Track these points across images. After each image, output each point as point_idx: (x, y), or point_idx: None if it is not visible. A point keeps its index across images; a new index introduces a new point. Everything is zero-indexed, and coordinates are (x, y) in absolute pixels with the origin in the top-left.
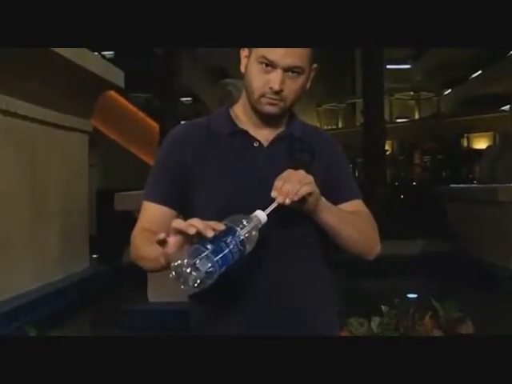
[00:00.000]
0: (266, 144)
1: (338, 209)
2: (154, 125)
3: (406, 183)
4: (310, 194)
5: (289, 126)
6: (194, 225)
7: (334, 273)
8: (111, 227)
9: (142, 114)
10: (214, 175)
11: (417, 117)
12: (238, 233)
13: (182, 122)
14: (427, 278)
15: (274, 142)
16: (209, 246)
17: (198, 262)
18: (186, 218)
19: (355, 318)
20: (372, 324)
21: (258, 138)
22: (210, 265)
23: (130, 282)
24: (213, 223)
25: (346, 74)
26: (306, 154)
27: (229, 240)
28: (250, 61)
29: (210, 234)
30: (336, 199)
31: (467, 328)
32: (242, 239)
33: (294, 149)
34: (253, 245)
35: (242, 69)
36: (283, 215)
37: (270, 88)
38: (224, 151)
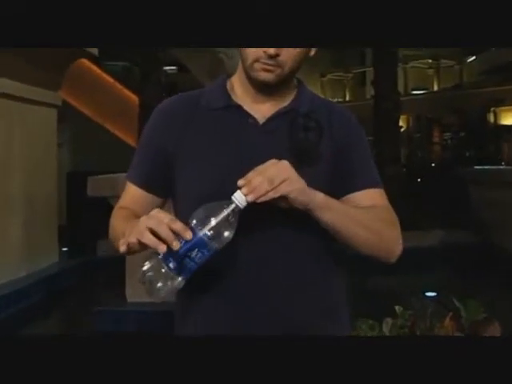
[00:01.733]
0: (262, 121)
1: (341, 205)
2: (133, 97)
3: (423, 164)
4: (286, 196)
5: (295, 99)
6: (161, 236)
7: (337, 267)
8: (83, 216)
9: (119, 86)
10: (198, 157)
11: (436, 88)
12: (205, 241)
13: (173, 97)
14: (447, 273)
15: (272, 119)
16: (171, 265)
17: (159, 285)
18: (174, 203)
19: (364, 321)
20: (384, 327)
21: (254, 113)
22: (172, 283)
23: (106, 278)
24: (180, 229)
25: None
26: (312, 133)
27: (193, 254)
28: None
29: (177, 246)
30: (348, 188)
31: (494, 330)
32: (212, 246)
33: (296, 126)
34: (232, 231)
35: None
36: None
37: (265, 52)
38: (213, 129)
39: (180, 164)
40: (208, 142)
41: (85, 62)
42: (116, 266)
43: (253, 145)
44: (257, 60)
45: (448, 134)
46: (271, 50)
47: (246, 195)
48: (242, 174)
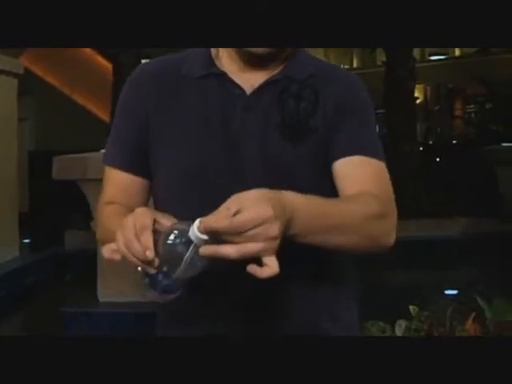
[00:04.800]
0: (250, 91)
1: (313, 218)
2: (106, 64)
3: (443, 141)
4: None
5: (289, 65)
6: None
7: (343, 263)
8: (49, 202)
9: (89, 51)
10: (179, 134)
11: (457, 53)
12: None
13: (145, 61)
14: (470, 268)
15: (261, 88)
16: (146, 281)
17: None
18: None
19: (374, 323)
20: (397, 330)
21: (241, 83)
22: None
23: (74, 275)
24: (147, 253)
25: None
26: (306, 102)
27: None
28: None
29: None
30: (330, 158)
31: None
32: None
33: (288, 95)
34: (202, 264)
35: None
36: None
37: None
38: (195, 101)
39: (158, 141)
40: (189, 117)
41: None
42: (86, 260)
43: (239, 120)
44: None
45: (472, 106)
46: None
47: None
48: (227, 157)
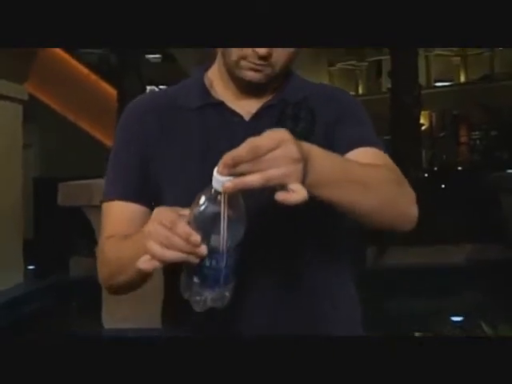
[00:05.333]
0: (249, 117)
1: (333, 169)
2: (111, 90)
3: (447, 168)
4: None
5: (283, 89)
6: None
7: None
8: (54, 228)
9: (94, 77)
10: (178, 162)
11: (463, 79)
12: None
13: (148, 89)
14: (476, 294)
15: (259, 114)
16: (196, 280)
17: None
18: None
19: None
20: None
21: (238, 110)
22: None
23: (79, 301)
24: (192, 238)
25: None
26: (303, 123)
27: (213, 263)
28: None
29: (196, 260)
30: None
31: None
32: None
33: (286, 117)
34: (242, 215)
35: None
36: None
37: (254, 51)
38: (195, 131)
39: (160, 172)
40: (190, 146)
41: (56, 49)
42: (91, 287)
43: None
44: (244, 58)
45: (477, 132)
46: (262, 51)
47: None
48: None
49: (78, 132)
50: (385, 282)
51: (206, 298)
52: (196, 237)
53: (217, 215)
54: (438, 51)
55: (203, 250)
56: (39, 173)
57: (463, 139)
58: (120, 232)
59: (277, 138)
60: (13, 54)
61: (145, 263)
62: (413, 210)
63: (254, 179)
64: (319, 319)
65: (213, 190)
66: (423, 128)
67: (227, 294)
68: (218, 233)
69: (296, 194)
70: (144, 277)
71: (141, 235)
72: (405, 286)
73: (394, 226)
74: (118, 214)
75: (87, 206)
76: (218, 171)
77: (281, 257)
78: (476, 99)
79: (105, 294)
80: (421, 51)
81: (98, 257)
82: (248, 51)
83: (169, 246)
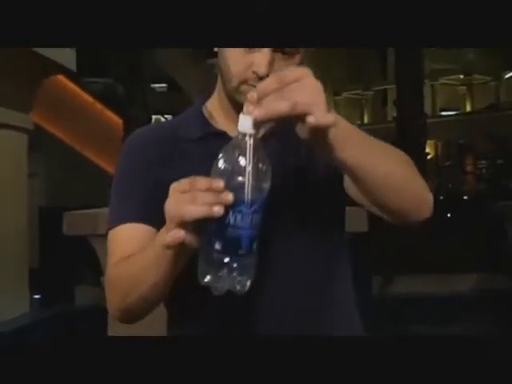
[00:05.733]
0: None
1: (358, 138)
2: (116, 120)
3: (453, 197)
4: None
5: None
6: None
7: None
8: (59, 258)
9: (99, 106)
10: None
11: (469, 108)
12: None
13: (154, 119)
14: (482, 324)
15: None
16: (217, 246)
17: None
18: None
19: None
20: None
21: None
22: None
23: (85, 331)
24: (214, 184)
25: (373, 51)
26: (306, 150)
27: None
28: None
29: (222, 211)
30: None
31: None
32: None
33: (288, 143)
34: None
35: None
36: (285, 203)
37: (254, 73)
38: (196, 161)
39: (165, 197)
40: (192, 173)
41: (60, 78)
42: (97, 317)
43: None
44: (244, 82)
45: (483, 162)
46: (262, 70)
47: (259, 118)
48: None
49: (83, 161)
50: (383, 308)
51: (225, 274)
52: (218, 182)
53: (240, 165)
54: (443, 80)
55: (229, 195)
56: (45, 202)
57: (469, 168)
58: (130, 253)
59: (299, 72)
60: (17, 83)
61: (170, 236)
62: (429, 196)
63: (281, 105)
64: (319, 319)
65: (239, 136)
66: (429, 157)
67: (250, 273)
68: (243, 184)
69: (325, 117)
70: (159, 287)
71: (150, 244)
72: (410, 314)
73: (412, 210)
74: (126, 236)
75: (92, 234)
76: (244, 112)
77: (281, 255)
78: (482, 128)
79: (111, 323)
80: (426, 80)
81: (106, 285)
82: (248, 74)
83: (194, 201)
